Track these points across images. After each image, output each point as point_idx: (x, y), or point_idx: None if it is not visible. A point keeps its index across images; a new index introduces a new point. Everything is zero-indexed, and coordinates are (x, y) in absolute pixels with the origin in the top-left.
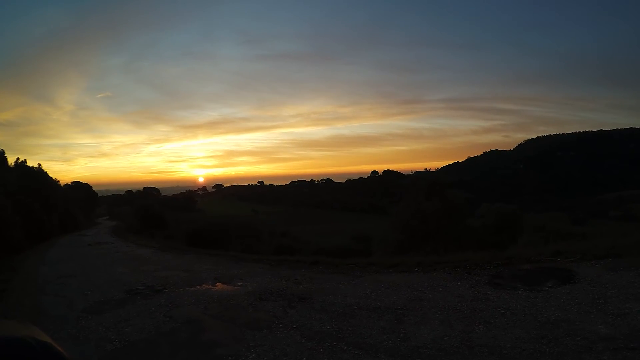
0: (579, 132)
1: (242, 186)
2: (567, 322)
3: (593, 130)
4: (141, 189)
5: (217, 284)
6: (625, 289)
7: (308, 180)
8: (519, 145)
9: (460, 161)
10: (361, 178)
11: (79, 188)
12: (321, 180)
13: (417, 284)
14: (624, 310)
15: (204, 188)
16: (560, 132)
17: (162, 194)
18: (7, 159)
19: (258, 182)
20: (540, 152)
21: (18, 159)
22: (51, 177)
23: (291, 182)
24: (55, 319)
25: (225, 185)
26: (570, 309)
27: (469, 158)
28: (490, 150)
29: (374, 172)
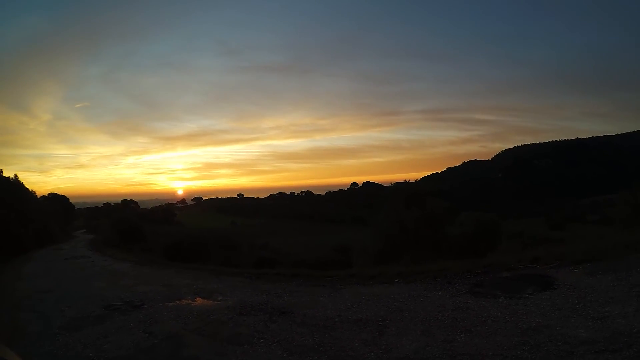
0: (555, 140)
1: (222, 198)
2: (548, 328)
3: (569, 138)
4: (119, 202)
5: (197, 298)
6: (604, 292)
7: (288, 192)
8: (496, 155)
9: (439, 171)
10: (341, 190)
11: (56, 200)
12: (301, 192)
13: (397, 294)
14: (603, 314)
15: (183, 200)
16: (537, 142)
17: (141, 207)
18: None
19: (238, 195)
20: (517, 161)
21: None
22: (27, 189)
23: (271, 194)
24: (32, 336)
25: (204, 198)
26: (551, 314)
27: (448, 168)
28: (469, 161)
29: (354, 184)
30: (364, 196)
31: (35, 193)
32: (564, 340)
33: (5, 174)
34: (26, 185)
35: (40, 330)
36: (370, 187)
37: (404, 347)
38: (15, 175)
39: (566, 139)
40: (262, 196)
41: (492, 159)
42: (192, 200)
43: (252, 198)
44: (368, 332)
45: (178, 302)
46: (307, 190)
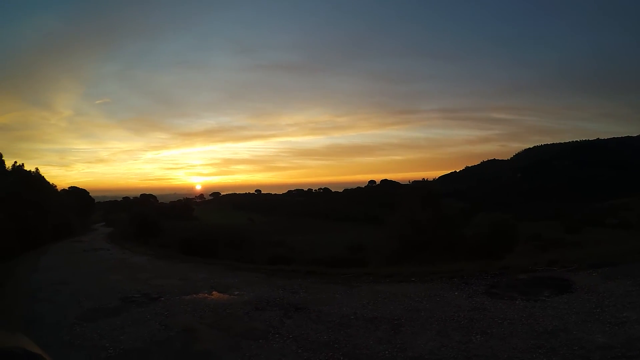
0: (575, 141)
1: (239, 194)
2: (565, 332)
3: (590, 139)
4: (138, 196)
5: (213, 292)
6: (622, 297)
7: (305, 189)
8: (515, 154)
9: (457, 171)
10: (358, 187)
11: (76, 193)
12: (318, 189)
13: (413, 294)
14: (621, 319)
15: (201, 196)
16: (557, 142)
17: (160, 201)
18: (4, 162)
19: (255, 191)
20: (536, 161)
21: (15, 162)
22: (48, 182)
23: (288, 190)
24: (49, 326)
25: (222, 193)
26: (568, 318)
27: (467, 167)
28: (488, 160)
29: (372, 182)
30: (381, 194)
31: (55, 186)
32: (580, 344)
33: (27, 167)
34: (47, 179)
35: (57, 320)
36: (387, 185)
37: (419, 346)
38: (37, 169)
39: (586, 139)
40: (280, 192)
41: (511, 158)
42: (210, 195)
43: (269, 194)
44: (383, 330)
45: (194, 295)
46: (325, 187)
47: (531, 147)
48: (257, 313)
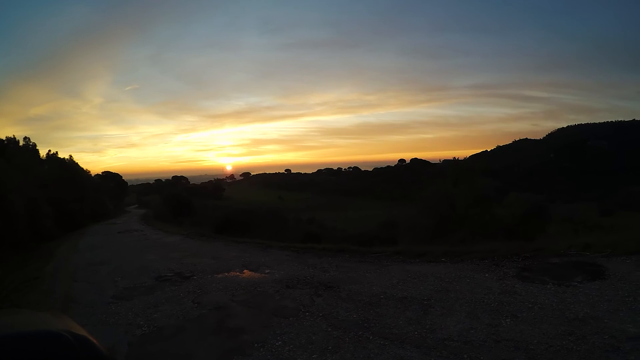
0: (612, 121)
1: (269, 174)
2: (595, 320)
3: (626, 119)
4: (170, 178)
5: (245, 271)
6: None
7: (335, 168)
8: (548, 134)
9: (488, 150)
10: (388, 166)
11: (109, 178)
12: (348, 168)
13: (444, 274)
14: None
15: (231, 176)
16: (592, 121)
17: (191, 182)
18: (39, 151)
19: (285, 170)
20: (570, 142)
21: (49, 151)
22: (82, 168)
23: (318, 169)
24: (85, 305)
25: (252, 173)
26: (599, 305)
27: (498, 147)
28: (520, 139)
29: (401, 160)
30: (411, 173)
31: (89, 172)
32: (611, 334)
33: (61, 155)
34: (81, 165)
35: (93, 299)
36: (417, 164)
37: (448, 328)
38: (70, 156)
39: (623, 120)
40: (310, 172)
41: (544, 138)
42: (240, 175)
43: (299, 173)
44: (413, 310)
45: (226, 274)
46: (355, 166)
47: (565, 126)
48: (288, 291)
